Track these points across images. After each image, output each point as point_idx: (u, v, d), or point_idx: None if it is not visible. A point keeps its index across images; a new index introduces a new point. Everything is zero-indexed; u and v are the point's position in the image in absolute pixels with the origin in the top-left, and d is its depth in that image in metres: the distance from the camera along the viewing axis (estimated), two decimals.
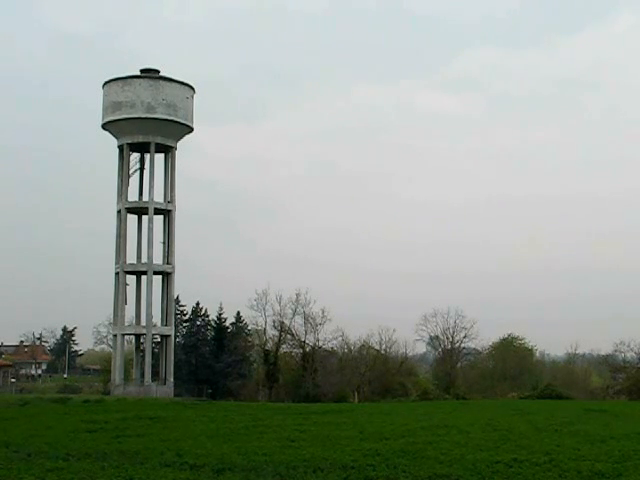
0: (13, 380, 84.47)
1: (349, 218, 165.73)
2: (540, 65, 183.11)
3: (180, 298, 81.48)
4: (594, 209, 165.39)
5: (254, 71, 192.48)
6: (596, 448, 20.29)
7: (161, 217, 66.45)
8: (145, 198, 65.91)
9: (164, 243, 66.33)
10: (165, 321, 66.40)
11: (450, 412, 37.07)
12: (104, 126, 66.30)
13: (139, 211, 66.41)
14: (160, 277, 66.41)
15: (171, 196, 66.54)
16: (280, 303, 71.36)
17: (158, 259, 65.90)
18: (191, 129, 67.31)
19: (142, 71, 66.10)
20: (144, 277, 65.39)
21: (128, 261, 65.36)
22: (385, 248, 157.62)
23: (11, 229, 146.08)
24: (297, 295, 71.41)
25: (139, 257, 66.17)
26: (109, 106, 65.11)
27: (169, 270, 65.94)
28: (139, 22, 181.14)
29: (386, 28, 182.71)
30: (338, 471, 16.14)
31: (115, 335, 66.96)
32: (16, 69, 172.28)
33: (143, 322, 65.45)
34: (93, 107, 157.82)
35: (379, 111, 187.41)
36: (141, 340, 66.47)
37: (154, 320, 66.74)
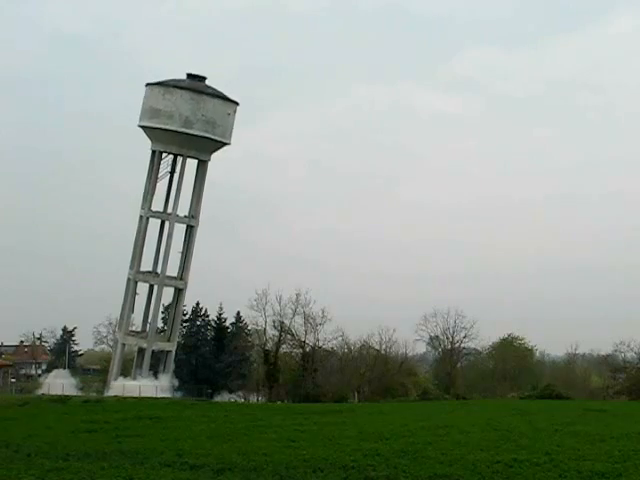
0: (13, 380, 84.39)
1: (349, 218, 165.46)
2: (539, 66, 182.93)
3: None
4: (594, 209, 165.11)
5: (254, 71, 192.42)
6: (596, 448, 20.28)
7: (183, 226, 65.56)
8: (169, 209, 64.64)
9: (182, 253, 65.40)
10: (169, 337, 65.73)
11: (450, 412, 37.09)
12: (140, 126, 64.93)
13: (161, 218, 65.66)
14: (172, 289, 66.07)
15: (196, 210, 65.02)
16: (280, 303, 71.43)
17: (174, 267, 65.00)
18: (228, 143, 65.71)
19: (188, 76, 63.99)
20: (155, 286, 64.93)
21: (142, 268, 64.84)
22: (385, 248, 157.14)
23: (11, 229, 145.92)
24: (297, 295, 71.48)
25: (155, 264, 65.31)
26: (148, 110, 63.36)
27: (181, 286, 65.19)
28: (139, 22, 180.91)
29: (386, 28, 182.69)
30: (338, 471, 16.14)
31: (116, 341, 66.82)
32: (16, 69, 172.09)
33: (146, 323, 65.38)
34: (93, 107, 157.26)
35: (379, 111, 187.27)
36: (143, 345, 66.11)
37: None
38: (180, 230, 65.64)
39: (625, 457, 18.44)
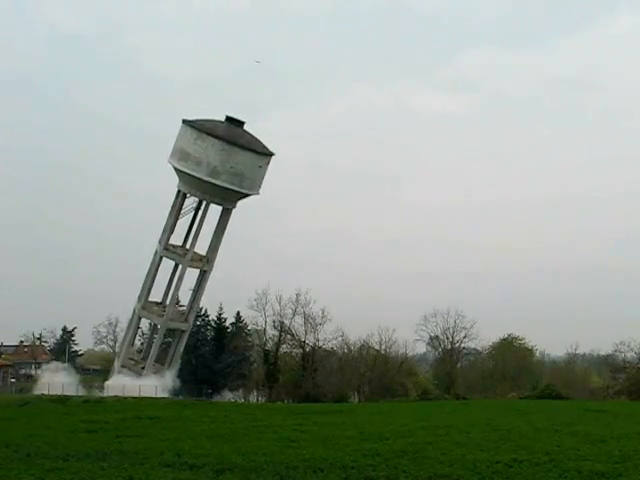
0: (13, 380, 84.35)
1: (349, 218, 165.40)
2: (539, 65, 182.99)
3: (180, 298, 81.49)
4: (594, 209, 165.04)
5: (253, 71, 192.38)
6: (596, 448, 20.29)
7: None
8: (187, 246, 64.25)
9: (192, 293, 65.11)
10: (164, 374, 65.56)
11: (450, 412, 37.11)
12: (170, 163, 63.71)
13: (175, 260, 64.95)
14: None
15: (212, 255, 64.41)
16: (280, 303, 71.41)
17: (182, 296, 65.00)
18: (256, 194, 64.62)
19: (226, 119, 62.53)
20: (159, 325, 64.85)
21: (150, 298, 64.62)
22: (385, 248, 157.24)
23: (11, 229, 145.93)
24: (297, 295, 71.46)
25: (165, 295, 65.14)
26: (178, 150, 62.10)
27: (184, 328, 65.12)
28: (140, 22, 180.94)
29: (385, 28, 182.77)
30: (338, 471, 16.15)
31: (114, 366, 66.90)
32: (15, 69, 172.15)
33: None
34: (94, 107, 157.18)
35: (379, 111, 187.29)
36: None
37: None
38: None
39: (625, 457, 18.44)
